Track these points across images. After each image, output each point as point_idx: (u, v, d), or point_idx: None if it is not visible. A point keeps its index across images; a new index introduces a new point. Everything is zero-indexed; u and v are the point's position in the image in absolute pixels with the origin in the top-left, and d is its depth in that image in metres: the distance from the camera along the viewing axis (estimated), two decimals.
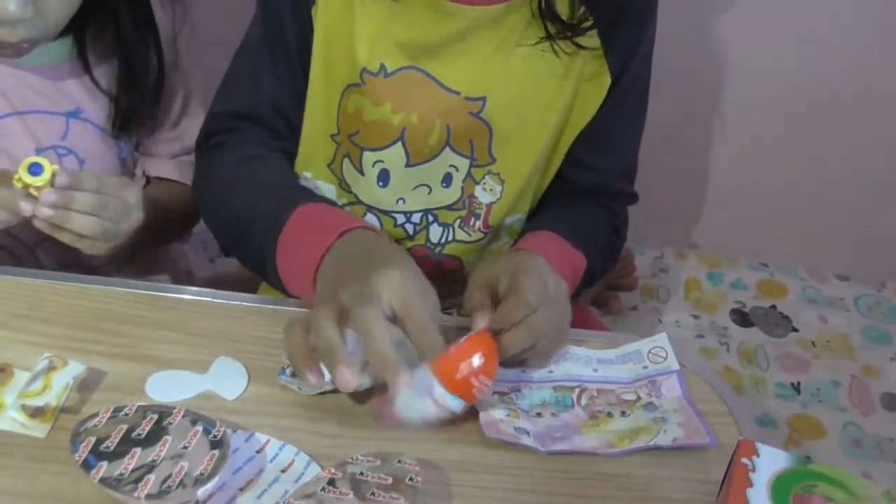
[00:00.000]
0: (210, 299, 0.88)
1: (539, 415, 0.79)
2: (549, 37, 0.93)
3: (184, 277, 1.26)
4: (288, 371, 0.78)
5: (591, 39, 0.95)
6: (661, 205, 1.79)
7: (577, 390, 0.82)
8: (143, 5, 1.04)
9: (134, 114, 1.07)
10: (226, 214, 0.96)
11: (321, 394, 0.78)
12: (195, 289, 0.90)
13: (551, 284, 0.81)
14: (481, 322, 0.77)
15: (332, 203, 0.98)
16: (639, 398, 0.81)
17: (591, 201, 1.04)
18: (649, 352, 0.84)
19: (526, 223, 1.07)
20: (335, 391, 0.77)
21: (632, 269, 1.76)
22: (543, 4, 0.92)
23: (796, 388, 1.60)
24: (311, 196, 0.92)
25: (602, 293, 1.71)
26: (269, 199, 0.91)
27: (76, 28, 1.02)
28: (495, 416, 0.77)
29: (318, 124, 1.00)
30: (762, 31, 1.60)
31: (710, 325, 1.73)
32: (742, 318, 1.75)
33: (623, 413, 0.79)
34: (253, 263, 0.91)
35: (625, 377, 0.83)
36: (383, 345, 0.69)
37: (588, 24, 0.93)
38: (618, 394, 0.82)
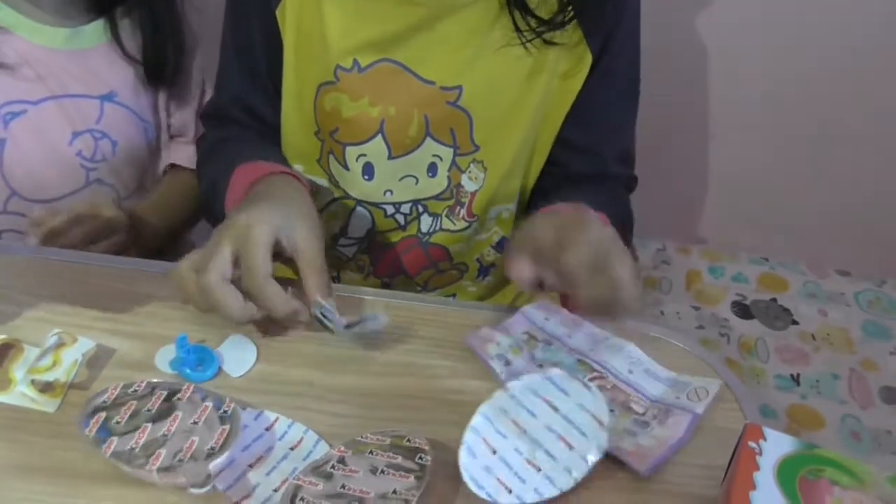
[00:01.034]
0: None
1: (541, 366, 0.79)
2: (518, 31, 0.92)
3: None
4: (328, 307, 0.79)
5: (563, 35, 0.94)
6: (664, 198, 1.80)
7: (595, 374, 0.80)
8: None
9: (162, 61, 1.09)
10: (202, 187, 1.02)
11: (348, 326, 0.79)
12: None
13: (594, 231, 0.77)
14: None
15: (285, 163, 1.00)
16: (642, 414, 0.77)
17: (591, 188, 1.02)
18: (695, 389, 0.79)
19: (527, 212, 1.06)
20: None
21: (634, 259, 1.76)
22: None
23: (795, 379, 1.61)
24: (262, 155, 0.94)
25: None
26: (227, 164, 0.94)
27: (107, 9, 1.05)
28: (497, 339, 0.81)
29: (297, 123, 1.01)
30: (767, 26, 1.60)
31: (710, 317, 1.73)
32: (742, 310, 1.76)
33: (611, 411, 0.76)
34: None
35: (652, 393, 0.79)
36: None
37: (568, 15, 0.93)
38: (630, 398, 0.79)
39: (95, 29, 1.06)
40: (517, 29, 0.93)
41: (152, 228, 1.09)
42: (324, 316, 0.79)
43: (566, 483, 0.67)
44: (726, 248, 1.91)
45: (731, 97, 1.71)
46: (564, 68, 0.97)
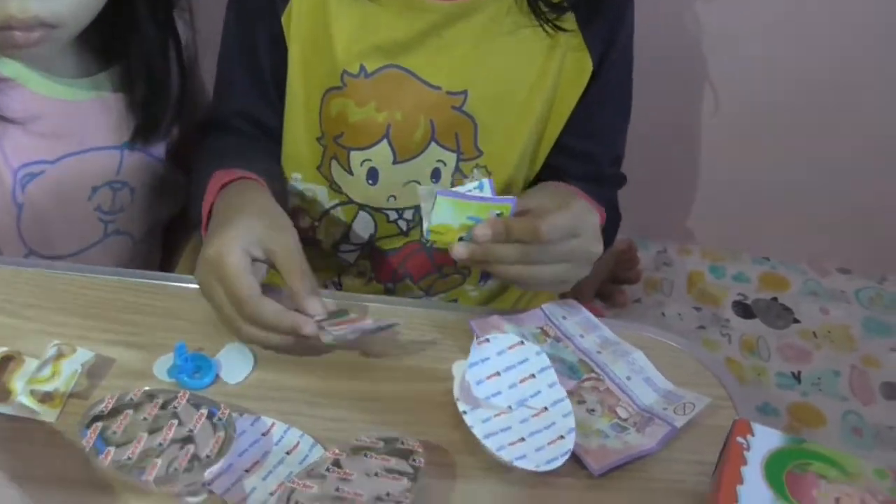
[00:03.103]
0: None
1: None
2: (536, 14, 0.94)
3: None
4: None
5: (570, 22, 0.96)
6: (664, 200, 1.81)
7: (592, 375, 0.81)
8: (166, 15, 1.02)
9: (161, 119, 1.04)
10: (190, 190, 1.01)
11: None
12: None
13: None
14: None
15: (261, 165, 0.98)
16: (624, 420, 0.78)
17: (586, 186, 1.01)
18: (684, 404, 0.79)
19: None
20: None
21: (635, 261, 1.76)
22: None
23: (797, 377, 1.61)
24: (241, 164, 0.93)
25: (606, 286, 1.72)
26: (208, 172, 0.93)
27: (118, 58, 1.01)
28: (504, 328, 0.83)
29: (301, 129, 1.02)
30: (762, 24, 1.61)
31: (712, 317, 1.73)
32: (744, 309, 1.76)
33: (592, 411, 0.78)
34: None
35: (643, 401, 0.80)
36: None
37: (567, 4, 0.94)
38: (619, 403, 0.79)
39: (112, 76, 1.01)
40: (534, 13, 0.94)
41: None
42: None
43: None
44: (727, 249, 1.91)
45: (729, 98, 1.71)
46: (567, 76, 0.99)
